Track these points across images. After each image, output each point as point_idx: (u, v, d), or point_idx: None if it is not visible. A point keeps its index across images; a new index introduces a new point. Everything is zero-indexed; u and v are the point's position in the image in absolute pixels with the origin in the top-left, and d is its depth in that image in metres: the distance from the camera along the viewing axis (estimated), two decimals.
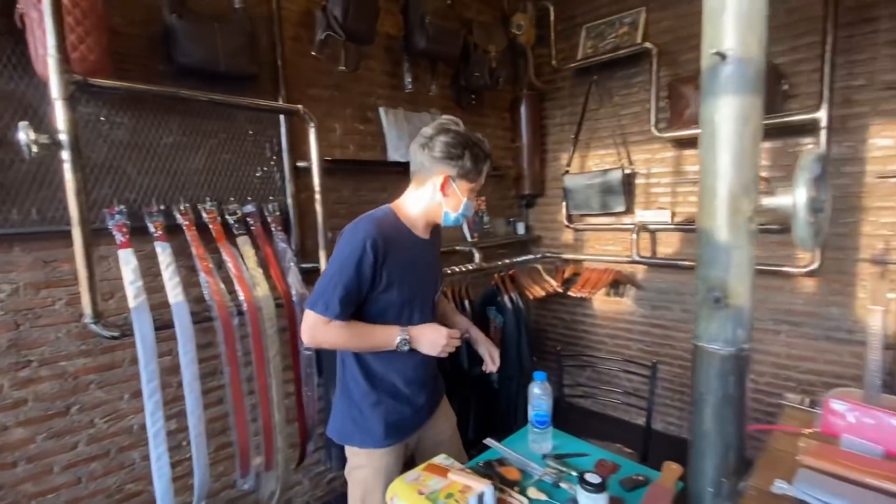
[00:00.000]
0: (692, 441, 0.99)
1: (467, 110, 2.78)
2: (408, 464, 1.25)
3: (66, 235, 1.38)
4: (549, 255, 3.18)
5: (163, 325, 1.51)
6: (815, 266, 2.14)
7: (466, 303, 2.43)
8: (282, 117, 1.93)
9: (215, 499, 1.85)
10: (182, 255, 1.64)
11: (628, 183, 2.72)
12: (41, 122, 1.39)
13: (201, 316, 1.61)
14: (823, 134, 2.04)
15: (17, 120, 1.32)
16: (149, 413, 1.47)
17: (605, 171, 2.74)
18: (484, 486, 1.01)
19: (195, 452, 1.57)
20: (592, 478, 0.98)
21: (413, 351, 1.18)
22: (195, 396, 1.56)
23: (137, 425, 1.64)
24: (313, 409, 1.92)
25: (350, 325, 1.12)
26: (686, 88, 2.35)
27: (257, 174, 1.90)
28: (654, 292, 2.77)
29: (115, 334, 1.46)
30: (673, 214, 2.63)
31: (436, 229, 1.31)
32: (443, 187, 1.15)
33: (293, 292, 1.82)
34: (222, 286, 1.65)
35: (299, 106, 1.86)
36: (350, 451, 1.25)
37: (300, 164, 1.98)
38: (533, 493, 1.11)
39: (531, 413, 1.31)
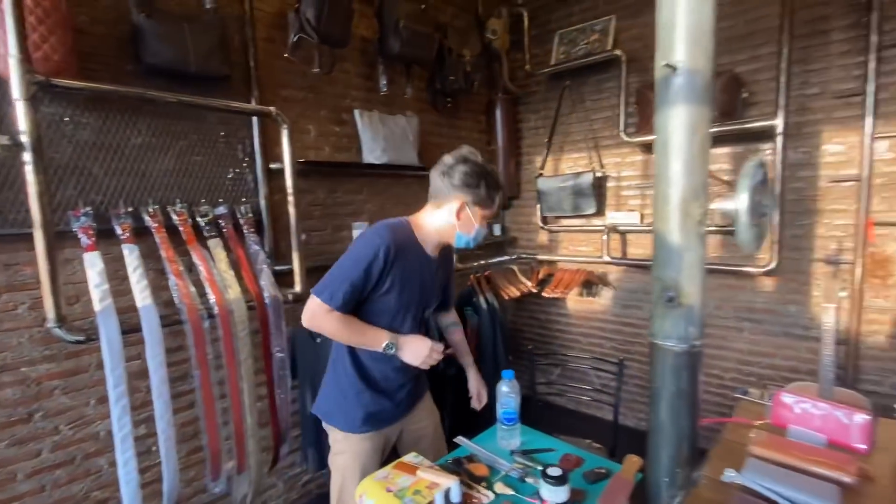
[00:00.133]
0: (649, 434, 1.03)
1: (443, 113, 2.80)
2: (392, 457, 1.29)
3: (29, 238, 1.35)
4: (524, 256, 3.24)
5: (130, 329, 1.49)
6: (773, 266, 2.24)
7: None
8: (254, 119, 1.92)
9: (187, 503, 1.83)
10: (151, 258, 1.62)
11: (599, 186, 2.79)
12: (1, 123, 1.36)
13: (171, 319, 1.59)
14: (780, 140, 2.14)
15: None
16: (115, 418, 1.45)
17: (578, 174, 2.80)
18: (451, 482, 1.04)
19: (164, 457, 1.56)
20: (553, 471, 1.01)
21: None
22: (164, 400, 1.54)
23: (104, 431, 1.61)
24: (287, 412, 1.91)
25: (347, 319, 1.21)
26: (653, 95, 2.40)
27: (229, 176, 1.89)
28: (624, 292, 2.85)
29: (80, 338, 1.44)
30: (642, 216, 2.70)
31: (448, 255, 1.42)
32: (458, 212, 1.24)
33: (266, 295, 1.81)
34: (192, 289, 1.63)
35: (272, 108, 1.85)
36: (332, 437, 1.35)
37: (273, 165, 1.97)
38: (500, 487, 1.14)
39: (499, 410, 1.35)
